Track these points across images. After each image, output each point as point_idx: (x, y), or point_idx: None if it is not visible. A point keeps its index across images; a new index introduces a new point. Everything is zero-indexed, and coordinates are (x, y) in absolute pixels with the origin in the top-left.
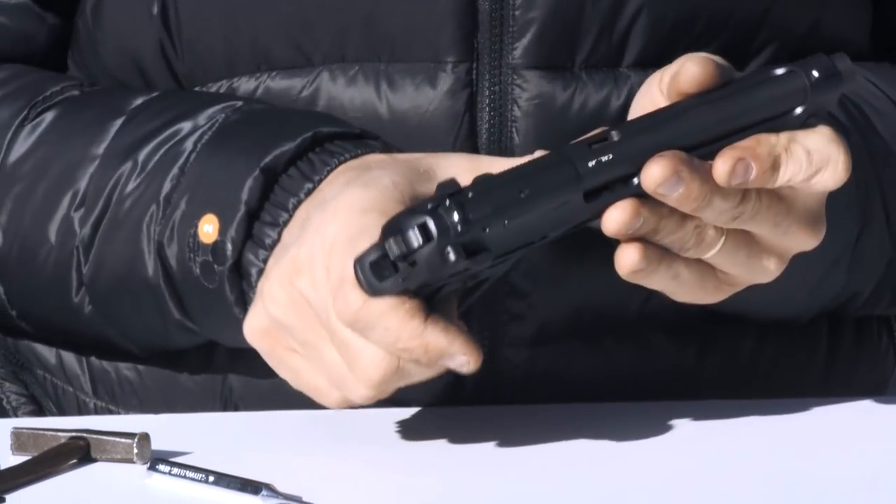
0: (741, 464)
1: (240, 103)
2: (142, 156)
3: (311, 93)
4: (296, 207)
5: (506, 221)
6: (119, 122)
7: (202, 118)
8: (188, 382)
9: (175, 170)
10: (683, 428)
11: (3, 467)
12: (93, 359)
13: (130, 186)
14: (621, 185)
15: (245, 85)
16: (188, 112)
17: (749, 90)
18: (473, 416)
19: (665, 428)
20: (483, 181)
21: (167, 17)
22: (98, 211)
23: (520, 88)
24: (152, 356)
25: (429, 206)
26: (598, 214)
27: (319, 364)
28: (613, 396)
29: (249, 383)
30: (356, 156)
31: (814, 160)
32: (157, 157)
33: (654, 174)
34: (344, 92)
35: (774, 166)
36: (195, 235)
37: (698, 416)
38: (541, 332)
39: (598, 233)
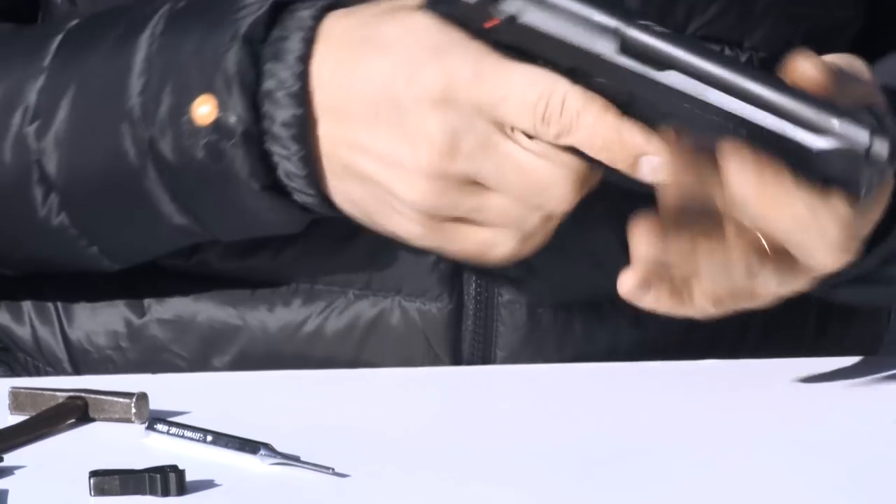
0: (733, 425)
1: None
2: (95, 60)
3: None
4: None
5: None
6: (58, 38)
7: (148, 9)
8: (174, 359)
9: (138, 65)
10: (676, 388)
11: (1, 427)
12: (72, 338)
13: (92, 89)
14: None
15: None
16: (131, 14)
17: (815, 107)
18: (472, 376)
19: (658, 389)
20: None
21: None
22: (60, 121)
23: None
24: (125, 268)
25: None
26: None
27: (491, 206)
28: (608, 358)
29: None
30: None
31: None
32: (112, 58)
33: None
34: None
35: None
36: (190, 122)
37: (691, 376)
38: (539, 299)
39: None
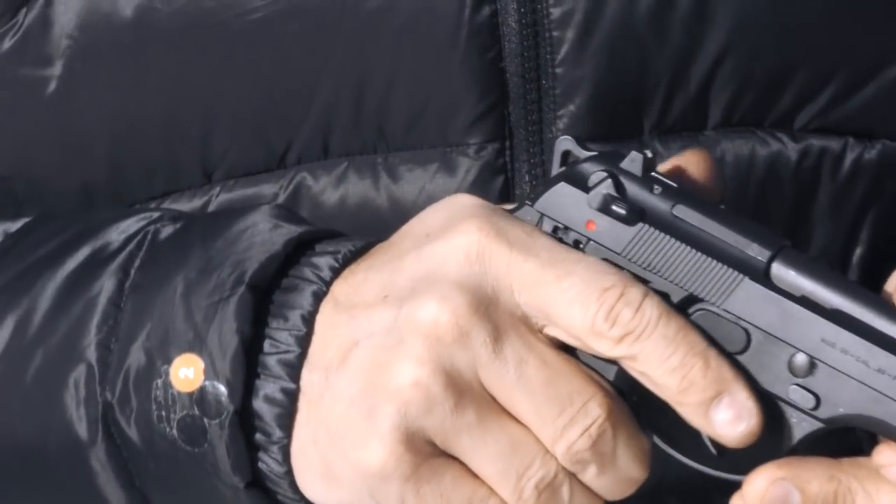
0: None
1: (156, 213)
2: (43, 293)
3: (289, 197)
4: (311, 317)
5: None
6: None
7: (114, 234)
8: None
9: (101, 307)
10: None
11: None
12: None
13: (31, 334)
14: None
15: (190, 203)
16: (90, 230)
17: None
18: None
19: None
20: None
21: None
22: None
23: None
24: None
25: None
26: None
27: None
28: None
29: None
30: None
31: None
32: (64, 292)
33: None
34: (331, 193)
35: None
36: (167, 386)
37: None
38: None
39: None
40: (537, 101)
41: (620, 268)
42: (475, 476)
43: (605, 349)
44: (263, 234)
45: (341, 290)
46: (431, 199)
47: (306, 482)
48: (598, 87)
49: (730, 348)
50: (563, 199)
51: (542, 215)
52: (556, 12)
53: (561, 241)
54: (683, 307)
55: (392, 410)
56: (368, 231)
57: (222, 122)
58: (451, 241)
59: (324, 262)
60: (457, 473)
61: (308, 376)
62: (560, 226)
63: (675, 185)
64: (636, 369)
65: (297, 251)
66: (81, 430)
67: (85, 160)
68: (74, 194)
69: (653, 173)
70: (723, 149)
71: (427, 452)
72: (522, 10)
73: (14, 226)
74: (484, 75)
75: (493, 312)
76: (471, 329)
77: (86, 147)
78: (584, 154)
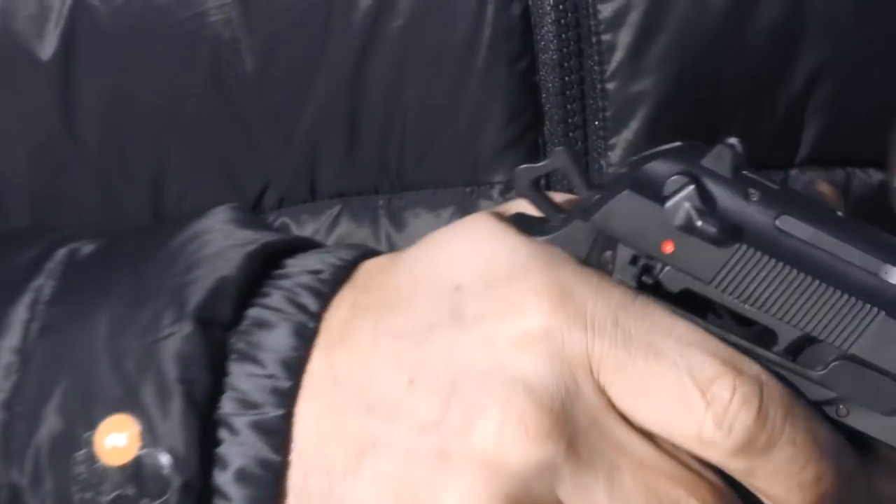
0: None
1: (65, 231)
2: None
3: None
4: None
5: None
6: None
7: (17, 260)
8: None
9: (5, 356)
10: None
11: None
12: None
13: None
14: None
15: None
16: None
17: None
18: None
19: None
20: None
21: None
22: None
23: None
24: None
25: None
26: None
27: None
28: None
29: None
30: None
31: None
32: None
33: None
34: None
35: None
36: (91, 459)
37: None
38: None
39: None
40: (582, 126)
41: (717, 314)
42: None
43: (717, 459)
44: (213, 246)
45: (339, 352)
46: None
47: None
48: (660, 108)
49: (876, 408)
50: (629, 213)
51: (599, 235)
52: (606, 9)
53: (641, 281)
54: (796, 351)
55: None
56: None
57: (176, 154)
58: (507, 323)
59: (301, 284)
60: None
61: (301, 478)
62: (629, 250)
63: (775, 186)
64: (754, 486)
65: (266, 265)
66: None
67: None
68: None
69: (745, 172)
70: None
71: None
72: (562, 6)
73: None
74: (512, 91)
75: (570, 411)
76: (546, 441)
77: (3, 183)
78: (646, 154)
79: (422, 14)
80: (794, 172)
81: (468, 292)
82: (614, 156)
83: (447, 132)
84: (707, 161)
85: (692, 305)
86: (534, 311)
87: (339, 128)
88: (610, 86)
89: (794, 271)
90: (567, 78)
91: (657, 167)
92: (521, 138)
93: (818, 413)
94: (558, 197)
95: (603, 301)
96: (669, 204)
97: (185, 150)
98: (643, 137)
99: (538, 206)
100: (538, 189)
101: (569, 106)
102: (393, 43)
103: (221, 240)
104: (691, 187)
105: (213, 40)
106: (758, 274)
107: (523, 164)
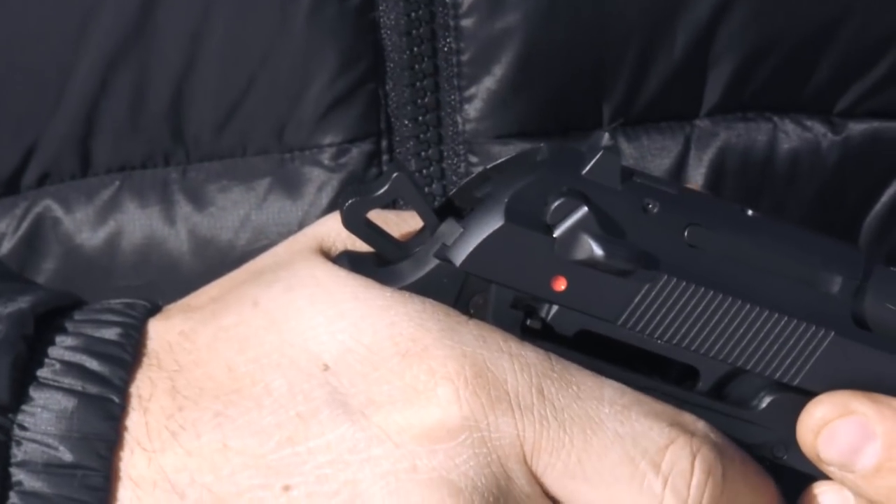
0: None
1: None
2: None
3: (22, 239)
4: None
5: None
6: None
7: None
8: None
9: None
10: None
11: None
12: None
13: None
14: None
15: None
16: None
17: None
18: None
19: None
20: None
21: None
22: None
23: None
24: None
25: None
26: None
27: None
28: None
29: None
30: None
31: None
32: None
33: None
34: (94, 231)
35: None
36: None
37: None
38: None
39: None
40: (433, 74)
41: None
42: None
43: None
44: None
45: (171, 456)
46: (262, 236)
47: None
48: (529, 49)
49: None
50: (507, 250)
51: (469, 277)
52: None
53: (525, 327)
54: (720, 386)
55: None
56: (158, 293)
57: None
58: (412, 412)
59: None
60: None
61: None
62: (508, 292)
63: (672, 190)
64: None
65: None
66: None
67: None
68: None
69: (636, 178)
70: (723, 143)
71: None
72: None
73: None
74: (345, 31)
75: None
76: None
77: None
78: (503, 162)
79: None
80: (701, 124)
81: (343, 373)
82: (472, 109)
83: (260, 86)
84: (590, 172)
85: (590, 348)
86: (447, 398)
87: (121, 83)
88: (466, 22)
89: (714, 294)
90: (413, 14)
91: (532, 187)
92: (356, 90)
93: (754, 459)
94: (393, 225)
95: (523, 371)
96: (559, 233)
97: None
98: (508, 87)
99: (375, 247)
100: (372, 226)
101: (415, 48)
102: None
103: None
104: (584, 210)
105: None
106: (672, 304)
107: (358, 124)
